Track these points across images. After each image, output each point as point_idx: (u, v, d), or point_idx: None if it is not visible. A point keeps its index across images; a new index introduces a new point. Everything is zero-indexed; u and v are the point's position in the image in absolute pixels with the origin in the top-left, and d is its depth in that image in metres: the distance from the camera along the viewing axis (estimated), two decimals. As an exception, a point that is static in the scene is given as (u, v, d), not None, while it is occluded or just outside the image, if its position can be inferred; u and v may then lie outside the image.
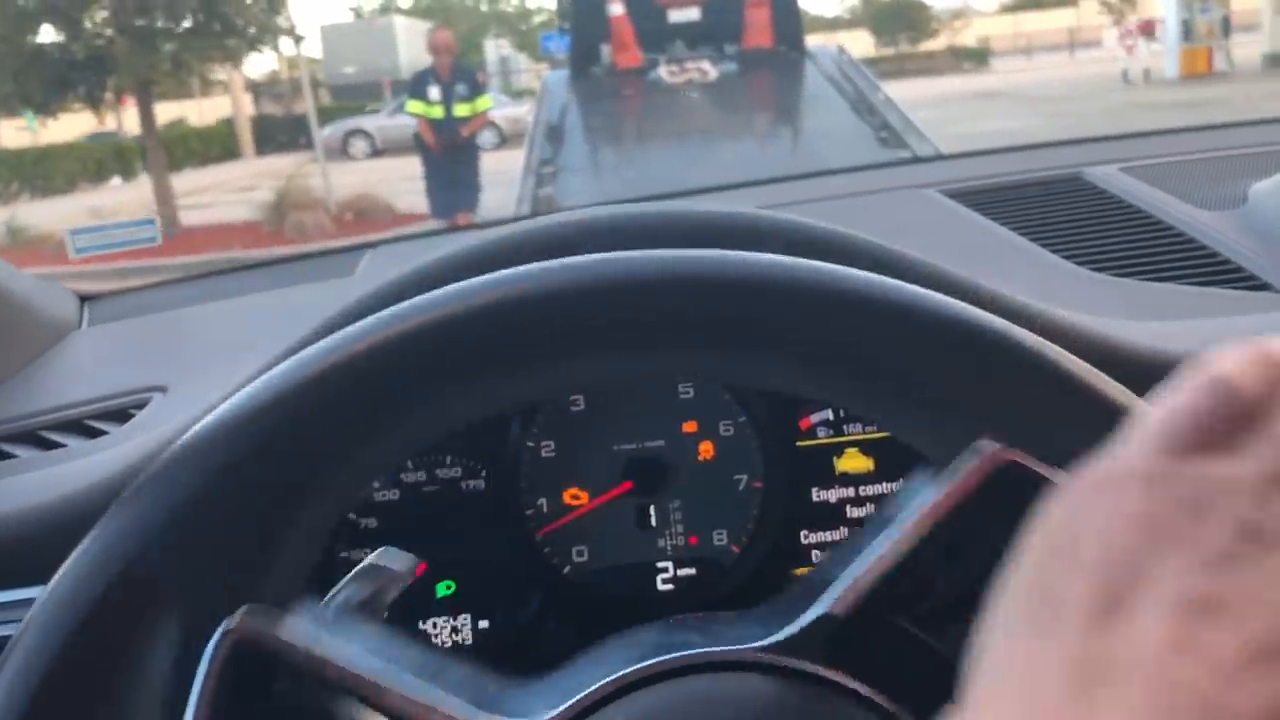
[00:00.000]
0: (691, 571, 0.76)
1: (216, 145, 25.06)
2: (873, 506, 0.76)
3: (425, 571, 0.74)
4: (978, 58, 36.70)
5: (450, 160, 7.36)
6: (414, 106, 7.35)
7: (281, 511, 0.41)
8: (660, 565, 0.76)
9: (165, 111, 30.78)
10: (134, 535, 0.39)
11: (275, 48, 10.95)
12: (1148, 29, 22.29)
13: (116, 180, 17.35)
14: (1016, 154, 1.26)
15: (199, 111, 29.91)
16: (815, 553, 0.77)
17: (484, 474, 0.76)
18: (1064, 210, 0.98)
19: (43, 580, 0.40)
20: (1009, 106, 18.25)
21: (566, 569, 0.76)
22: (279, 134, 25.30)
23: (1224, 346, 0.25)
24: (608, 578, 0.76)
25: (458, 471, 0.76)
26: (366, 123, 23.12)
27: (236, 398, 0.41)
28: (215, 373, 0.73)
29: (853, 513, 0.76)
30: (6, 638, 0.39)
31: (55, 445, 0.74)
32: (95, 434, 0.75)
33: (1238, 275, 0.83)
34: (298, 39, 10.34)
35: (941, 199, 1.04)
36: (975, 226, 0.96)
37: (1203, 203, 0.96)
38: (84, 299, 1.06)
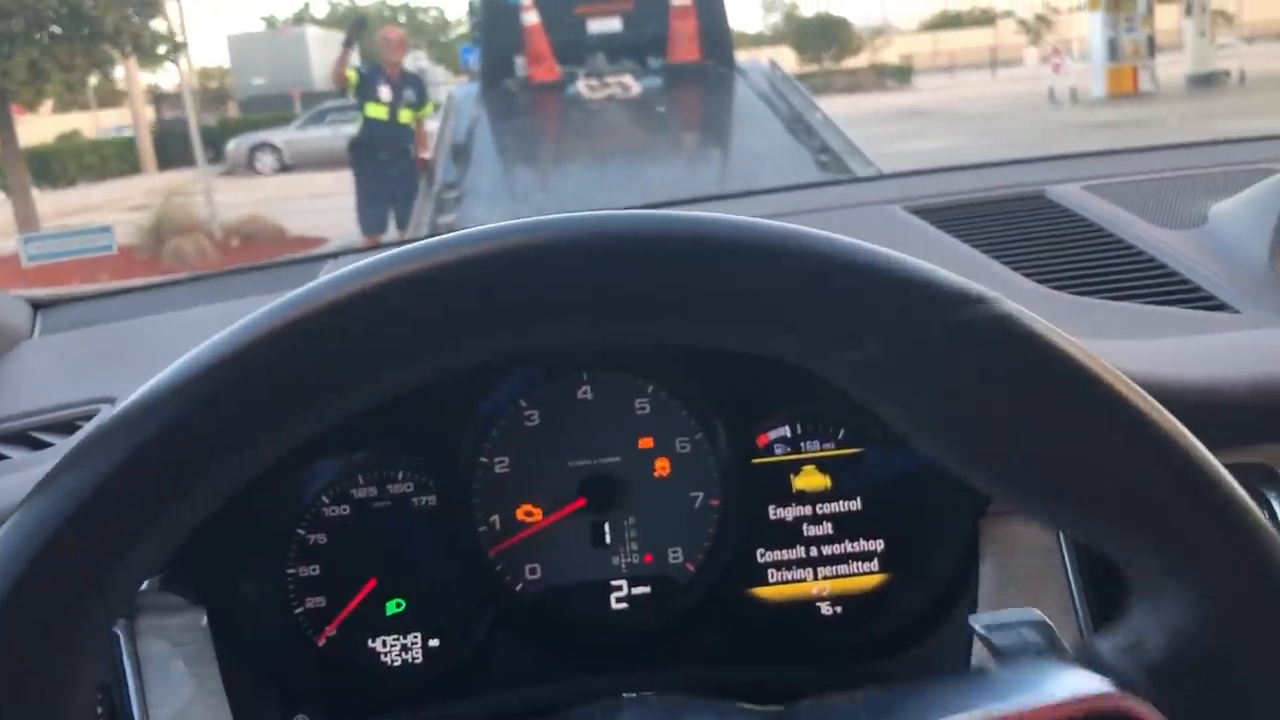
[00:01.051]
0: (646, 590, 0.75)
1: (115, 159, 23.80)
2: (830, 525, 0.75)
3: (374, 589, 0.73)
4: (901, 75, 36.84)
5: (388, 172, 6.90)
6: (374, 110, 6.93)
7: (179, 492, 0.40)
8: (615, 583, 0.75)
9: (62, 122, 29.41)
10: (46, 520, 0.39)
11: (152, 55, 9.98)
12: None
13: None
14: (977, 171, 1.27)
15: (95, 123, 28.51)
16: (771, 571, 0.76)
17: (435, 489, 0.74)
18: (1027, 228, 0.99)
19: None
20: (938, 125, 18.01)
21: (519, 586, 0.75)
22: (183, 147, 24.20)
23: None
24: (561, 596, 0.75)
25: (409, 487, 0.74)
26: (274, 136, 22.21)
27: (146, 384, 0.41)
28: None
29: (809, 530, 0.76)
30: None
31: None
32: (40, 446, 0.75)
33: (1197, 295, 0.85)
34: (176, 46, 9.39)
35: (905, 215, 1.05)
36: (938, 243, 0.97)
37: (1164, 222, 0.98)
38: (36, 306, 1.06)
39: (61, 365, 0.93)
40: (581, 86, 8.11)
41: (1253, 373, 0.68)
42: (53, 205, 18.01)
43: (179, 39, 9.51)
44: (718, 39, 8.42)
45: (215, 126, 25.64)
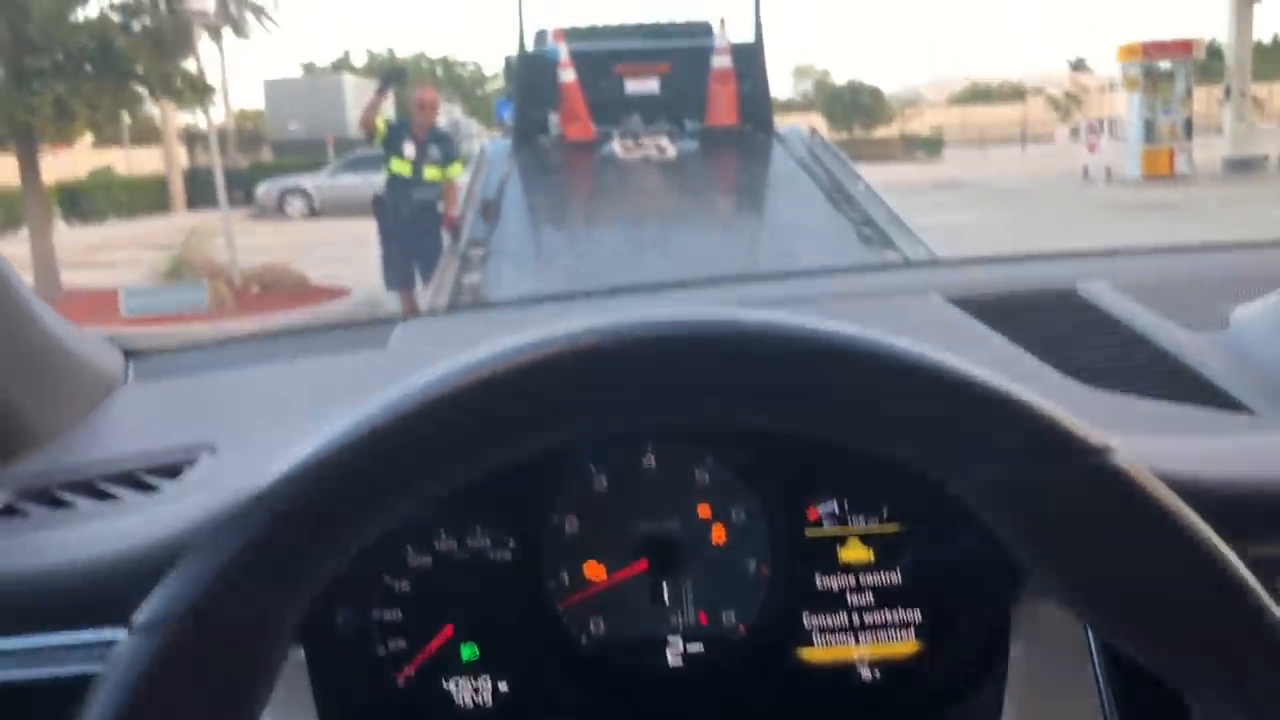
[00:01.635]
0: (700, 648, 0.80)
1: (145, 197, 23.88)
2: (871, 596, 0.79)
3: (451, 634, 0.79)
4: (931, 147, 36.87)
5: (410, 227, 6.82)
6: (398, 166, 6.90)
7: (322, 554, 0.47)
8: (671, 640, 0.80)
9: (94, 158, 29.63)
10: (204, 579, 0.45)
11: (182, 96, 9.85)
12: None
13: None
14: (1012, 264, 1.34)
15: (127, 160, 28.69)
16: (816, 635, 0.80)
17: (510, 545, 0.79)
18: (1058, 323, 1.03)
19: (115, 623, 0.48)
20: (972, 198, 17.82)
21: (583, 639, 0.79)
22: (214, 187, 24.29)
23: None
24: (622, 650, 0.80)
25: (486, 542, 0.79)
26: (305, 181, 22.27)
27: (291, 458, 0.47)
28: (260, 435, 0.84)
29: (853, 599, 0.79)
30: (87, 674, 0.47)
31: (110, 496, 0.78)
32: (147, 488, 0.79)
33: (1219, 397, 0.88)
34: (205, 89, 9.26)
35: (944, 305, 1.07)
36: (976, 336, 1.00)
37: (1188, 323, 1.00)
38: (128, 354, 1.08)
39: (160, 412, 0.97)
40: (616, 146, 7.93)
41: (1273, 474, 0.70)
42: (80, 239, 18.05)
43: (209, 82, 9.39)
44: (757, 103, 8.26)
45: (247, 170, 25.79)
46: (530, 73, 8.29)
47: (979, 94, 67.44)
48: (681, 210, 7.05)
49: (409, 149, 6.91)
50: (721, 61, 8.11)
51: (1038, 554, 0.46)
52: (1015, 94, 64.43)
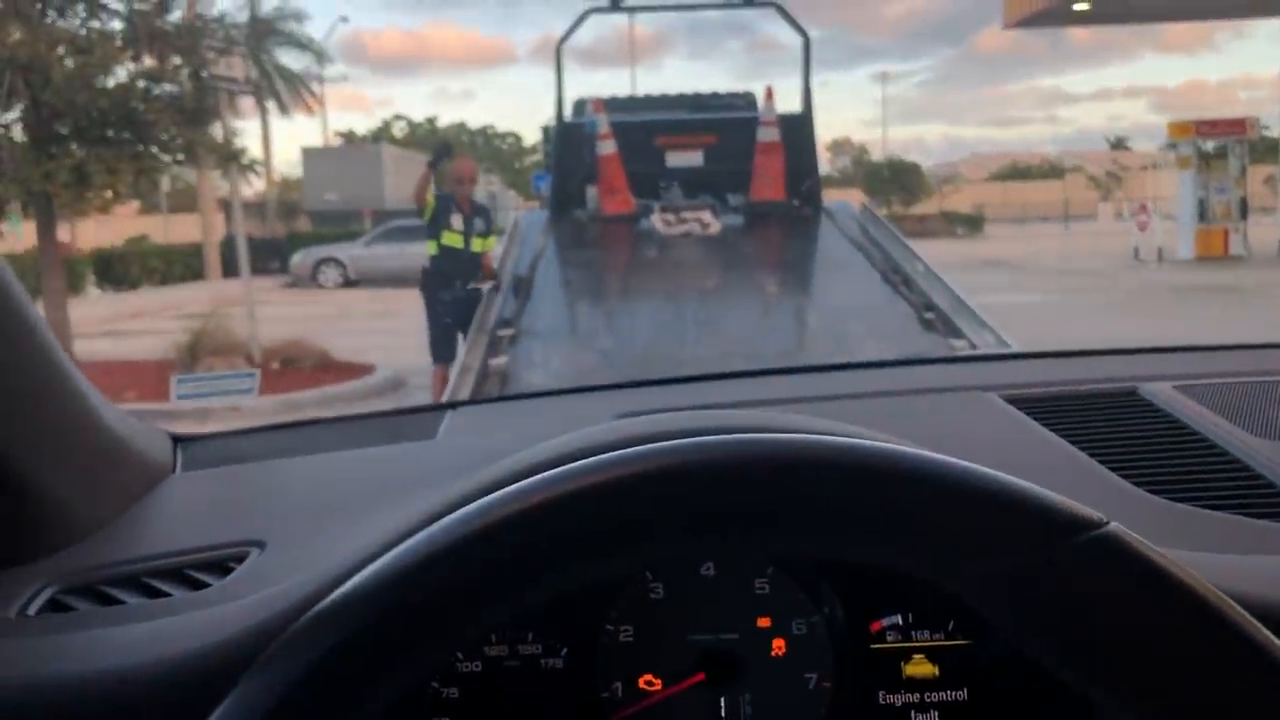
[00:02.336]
0: None
1: (180, 264, 23.86)
2: (937, 714, 0.77)
3: None
4: (972, 224, 36.43)
5: (460, 300, 6.57)
6: (450, 239, 6.70)
7: (390, 679, 0.47)
8: None
9: (135, 225, 29.83)
10: (270, 698, 0.46)
11: (207, 164, 9.58)
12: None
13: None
14: (1069, 360, 1.30)
15: (165, 228, 28.85)
16: None
17: (563, 653, 0.77)
18: (1121, 426, 0.99)
19: None
20: (1019, 278, 17.32)
21: None
22: (251, 257, 24.33)
23: None
24: None
25: (538, 649, 0.77)
26: (340, 252, 22.22)
27: (356, 578, 0.48)
28: (309, 530, 0.82)
29: (917, 717, 0.77)
30: None
31: (159, 593, 0.77)
32: (197, 585, 0.78)
33: None
34: (231, 155, 8.98)
35: (1002, 405, 1.04)
36: (1039, 439, 0.97)
37: (1255, 428, 0.96)
38: (176, 440, 1.08)
39: (207, 503, 0.96)
40: (657, 221, 7.51)
41: None
42: (110, 308, 17.95)
43: (235, 148, 9.12)
44: (805, 177, 7.84)
45: (284, 238, 25.80)
46: (568, 144, 7.93)
47: (1018, 171, 67.48)
48: (726, 289, 6.59)
49: (457, 221, 6.71)
50: (768, 134, 7.71)
51: (1043, 642, 0.46)
52: (1054, 172, 64.49)
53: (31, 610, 0.73)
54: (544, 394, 1.36)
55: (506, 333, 5.71)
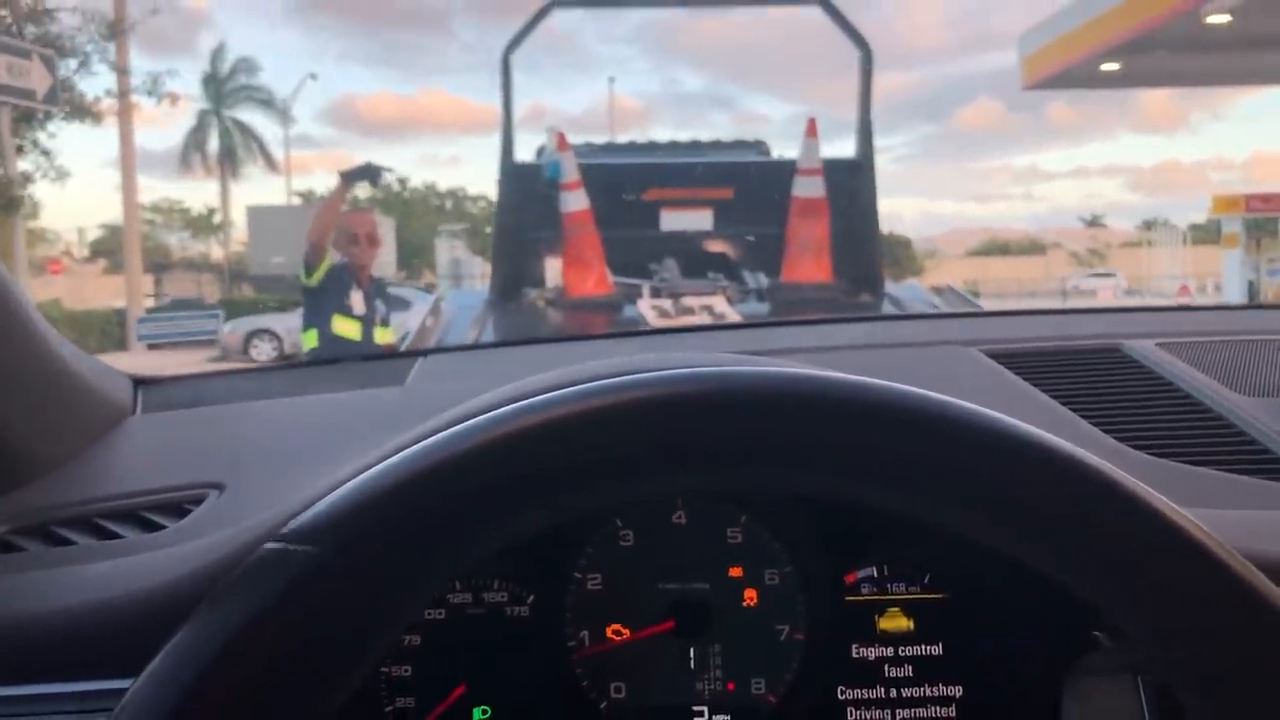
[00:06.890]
0: (727, 718, 0.76)
1: (94, 333, 21.26)
2: (910, 668, 0.76)
3: (463, 694, 0.75)
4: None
5: None
6: (342, 326, 4.42)
7: (365, 616, 0.44)
8: (696, 709, 0.76)
9: (47, 287, 27.25)
10: (221, 635, 0.43)
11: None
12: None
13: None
14: (1051, 317, 1.30)
15: (79, 292, 26.28)
16: (850, 709, 0.76)
17: (529, 601, 0.76)
18: (1104, 382, 0.99)
19: (121, 674, 0.45)
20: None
21: (603, 704, 0.76)
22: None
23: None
24: (643, 717, 0.76)
25: (504, 596, 0.76)
26: (276, 323, 19.96)
27: (321, 502, 0.45)
28: (270, 474, 0.81)
29: (890, 671, 0.76)
30: None
31: (112, 534, 0.76)
32: (152, 527, 0.77)
33: (1274, 465, 0.84)
34: (10, 203, 6.64)
35: (984, 360, 1.05)
36: (1019, 392, 0.97)
37: (1240, 386, 0.96)
38: (137, 383, 1.07)
39: (167, 446, 0.94)
40: (645, 309, 5.11)
41: None
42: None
43: (15, 193, 6.80)
44: (860, 250, 5.48)
45: (220, 303, 23.48)
46: (518, 193, 5.52)
47: (996, 246, 66.64)
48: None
49: (357, 301, 4.42)
50: (809, 186, 5.32)
51: (1207, 703, 0.45)
52: (1034, 247, 63.59)
53: None
54: (521, 343, 1.34)
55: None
